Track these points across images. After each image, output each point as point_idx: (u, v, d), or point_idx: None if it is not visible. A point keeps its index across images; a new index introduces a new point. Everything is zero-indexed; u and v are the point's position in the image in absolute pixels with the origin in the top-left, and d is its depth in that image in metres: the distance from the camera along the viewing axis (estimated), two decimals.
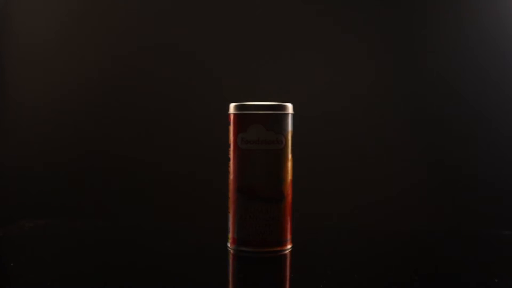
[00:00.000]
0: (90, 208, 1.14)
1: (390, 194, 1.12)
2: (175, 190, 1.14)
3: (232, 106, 0.78)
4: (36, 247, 0.82)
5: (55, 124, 1.15)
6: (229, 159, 0.78)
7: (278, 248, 0.76)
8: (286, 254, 0.76)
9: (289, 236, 0.78)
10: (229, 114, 0.78)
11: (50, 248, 0.81)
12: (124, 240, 0.87)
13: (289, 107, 0.78)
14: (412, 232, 0.97)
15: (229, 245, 0.78)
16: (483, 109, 1.11)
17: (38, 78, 1.16)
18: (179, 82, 1.14)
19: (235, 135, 0.77)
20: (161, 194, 1.14)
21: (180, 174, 1.14)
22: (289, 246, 0.78)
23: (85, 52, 1.15)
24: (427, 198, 1.12)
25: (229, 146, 0.78)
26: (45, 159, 1.15)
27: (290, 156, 0.78)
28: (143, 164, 1.15)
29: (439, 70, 1.12)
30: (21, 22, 1.16)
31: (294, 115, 0.79)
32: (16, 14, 1.16)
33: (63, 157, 1.15)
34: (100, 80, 1.15)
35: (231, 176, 0.78)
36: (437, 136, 1.12)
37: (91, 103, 1.15)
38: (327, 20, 1.13)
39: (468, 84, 1.12)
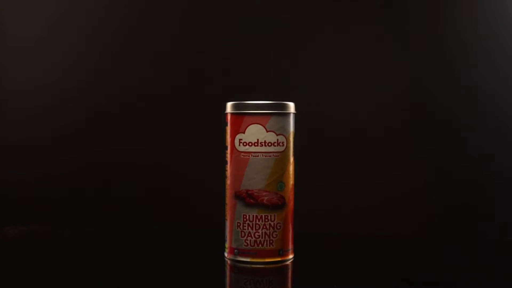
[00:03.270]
0: (79, 214, 1.11)
1: (393, 195, 1.09)
2: (171, 193, 1.12)
3: (229, 105, 0.74)
4: (21, 254, 0.80)
5: (44, 127, 1.13)
6: (226, 162, 0.74)
7: (279, 259, 0.73)
8: (287, 265, 0.73)
9: (291, 246, 0.75)
10: (226, 113, 0.74)
11: (36, 255, 0.79)
12: (117, 247, 0.85)
13: (291, 106, 0.74)
14: (416, 238, 0.95)
15: (226, 255, 0.74)
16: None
17: (28, 80, 1.13)
18: (176, 82, 1.12)
19: (233, 136, 0.73)
20: (158, 196, 1.11)
21: (176, 176, 1.11)
22: (290, 256, 0.75)
23: (79, 53, 1.13)
24: (430, 200, 1.10)
25: (226, 148, 0.74)
26: (32, 163, 1.13)
27: (292, 159, 0.74)
28: (139, 165, 1.12)
29: (442, 68, 1.09)
30: (13, 22, 1.13)
31: (296, 115, 0.75)
32: (6, 13, 1.13)
33: (51, 161, 1.12)
34: (97, 80, 1.13)
35: (228, 181, 0.74)
36: (440, 138, 1.10)
37: (86, 104, 1.13)
38: (328, 19, 1.12)
39: (469, 80, 1.09)
